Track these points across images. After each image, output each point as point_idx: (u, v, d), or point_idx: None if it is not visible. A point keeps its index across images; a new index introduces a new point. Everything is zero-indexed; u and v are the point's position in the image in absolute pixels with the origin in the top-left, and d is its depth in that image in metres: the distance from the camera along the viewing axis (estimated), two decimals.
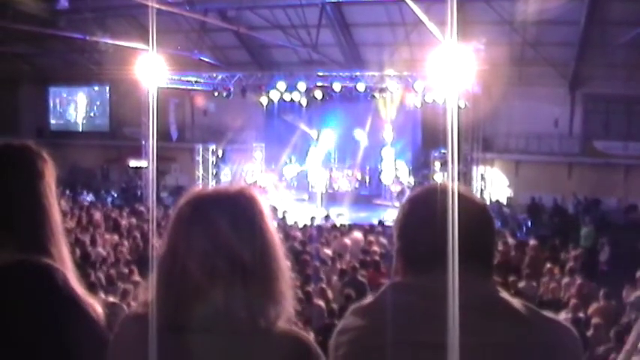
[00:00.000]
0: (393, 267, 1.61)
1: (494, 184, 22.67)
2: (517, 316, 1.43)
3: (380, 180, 23.04)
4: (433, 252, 1.43)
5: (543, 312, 1.48)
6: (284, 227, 14.60)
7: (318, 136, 23.43)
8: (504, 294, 1.48)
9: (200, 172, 24.03)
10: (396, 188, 21.66)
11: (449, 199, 1.35)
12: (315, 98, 21.01)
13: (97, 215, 16.32)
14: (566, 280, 10.49)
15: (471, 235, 1.44)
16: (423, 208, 1.52)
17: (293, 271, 1.58)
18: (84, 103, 29.10)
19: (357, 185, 23.46)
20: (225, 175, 24.63)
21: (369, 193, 23.42)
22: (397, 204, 20.56)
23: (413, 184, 21.09)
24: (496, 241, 1.60)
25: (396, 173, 22.24)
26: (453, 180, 1.48)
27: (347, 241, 13.31)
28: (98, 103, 28.85)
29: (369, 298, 1.58)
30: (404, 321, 1.45)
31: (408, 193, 20.38)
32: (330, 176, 23.07)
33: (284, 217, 17.01)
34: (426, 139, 22.59)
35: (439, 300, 1.36)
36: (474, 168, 20.26)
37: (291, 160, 23.81)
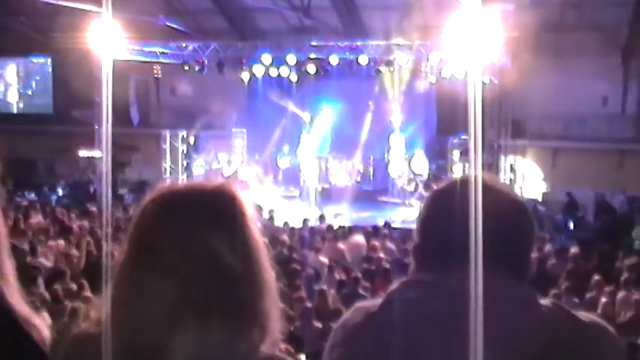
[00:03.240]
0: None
1: (526, 178, 22.75)
2: (546, 320, 1.47)
3: (387, 173, 23.06)
4: (451, 248, 1.48)
5: (579, 314, 1.53)
6: (270, 230, 14.63)
7: (311, 120, 23.40)
8: (540, 299, 1.53)
9: (168, 163, 24.01)
10: (408, 184, 21.66)
11: (476, 191, 1.40)
12: (308, 74, 20.98)
13: (39, 217, 16.27)
14: (620, 295, 10.48)
15: (501, 232, 1.48)
16: (445, 201, 1.60)
17: (281, 284, 1.60)
18: (19, 78, 28.85)
19: (358, 179, 23.46)
20: (199, 168, 24.60)
21: (373, 189, 23.45)
22: (409, 202, 20.63)
23: (426, 177, 21.11)
24: (532, 242, 1.65)
25: (407, 164, 22.19)
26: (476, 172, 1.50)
27: (345, 246, 13.36)
28: (38, 78, 28.58)
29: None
30: (409, 320, 1.49)
31: (420, 188, 20.69)
32: (326, 168, 23.06)
33: (271, 218, 17.05)
34: (442, 122, 22.61)
35: (454, 299, 1.40)
36: (502, 158, 20.32)
37: (284, 151, 23.73)
